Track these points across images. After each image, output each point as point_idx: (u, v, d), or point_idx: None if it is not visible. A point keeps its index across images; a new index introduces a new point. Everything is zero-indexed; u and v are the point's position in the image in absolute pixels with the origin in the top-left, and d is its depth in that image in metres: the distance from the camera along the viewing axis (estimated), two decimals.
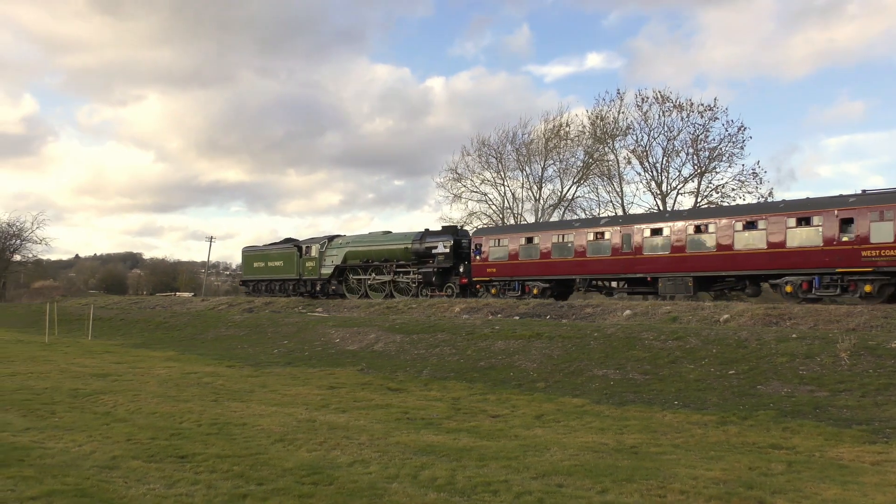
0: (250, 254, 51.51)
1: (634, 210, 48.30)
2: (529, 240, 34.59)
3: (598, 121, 51.12)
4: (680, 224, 29.17)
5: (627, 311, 25.02)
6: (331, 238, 45.10)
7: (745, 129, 46.90)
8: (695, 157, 47.94)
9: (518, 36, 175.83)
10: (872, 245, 23.82)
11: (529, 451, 10.65)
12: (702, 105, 47.53)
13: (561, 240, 33.33)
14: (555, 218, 51.61)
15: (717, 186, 47.13)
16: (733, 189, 46.32)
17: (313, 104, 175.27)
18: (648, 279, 30.09)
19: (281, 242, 50.25)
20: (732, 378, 15.96)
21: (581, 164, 53.13)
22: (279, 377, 19.42)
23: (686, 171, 48.70)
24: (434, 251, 38.53)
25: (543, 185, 55.08)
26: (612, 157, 51.46)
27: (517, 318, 26.58)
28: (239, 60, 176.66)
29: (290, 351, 25.28)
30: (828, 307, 21.71)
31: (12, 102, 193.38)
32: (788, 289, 25.86)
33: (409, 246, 39.47)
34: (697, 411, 13.91)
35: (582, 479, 9.03)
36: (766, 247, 26.45)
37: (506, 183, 56.11)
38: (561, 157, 54.05)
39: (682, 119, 47.98)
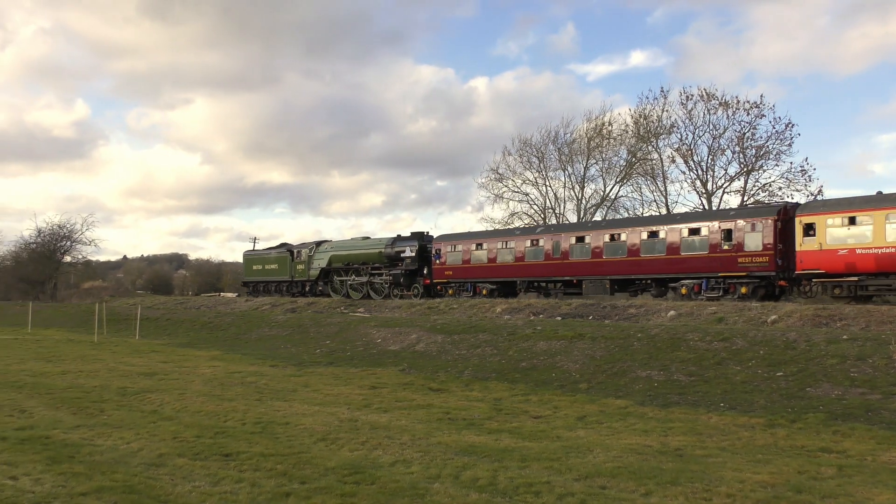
0: (250, 258, 56.65)
1: (679, 209, 47.75)
2: (479, 245, 38.98)
3: (642, 119, 50.61)
4: (597, 233, 33.53)
5: (672, 312, 24.73)
6: (318, 243, 49.83)
7: (793, 125, 46.08)
8: (741, 156, 47.24)
9: (563, 35, 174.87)
10: (746, 252, 28.13)
11: (572, 452, 10.56)
12: (748, 102, 46.80)
13: (505, 246, 37.86)
14: (598, 217, 51.25)
15: (764, 185, 46.39)
16: (780, 188, 45.56)
17: (357, 106, 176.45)
18: (574, 281, 34.01)
19: (276, 247, 55.13)
20: (780, 380, 15.68)
21: (624, 164, 52.66)
22: (321, 377, 19.54)
23: (732, 170, 48.03)
24: (402, 255, 42.99)
25: (586, 184, 54.75)
26: (655, 155, 50.94)
27: (559, 318, 26.43)
28: (285, 63, 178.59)
29: (333, 351, 25.43)
30: (880, 308, 21.23)
31: (65, 107, 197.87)
32: (683, 291, 29.72)
33: (383, 250, 43.92)
34: (744, 413, 13.68)
35: (625, 481, 8.93)
36: (665, 254, 30.62)
37: (547, 183, 55.88)
38: (604, 156, 53.65)
39: (727, 117, 47.29)
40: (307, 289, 49.82)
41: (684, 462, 9.99)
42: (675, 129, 49.30)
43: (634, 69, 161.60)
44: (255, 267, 55.30)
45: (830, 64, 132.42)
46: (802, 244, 26.73)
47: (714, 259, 29.17)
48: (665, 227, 31.39)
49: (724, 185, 47.94)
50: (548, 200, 55.75)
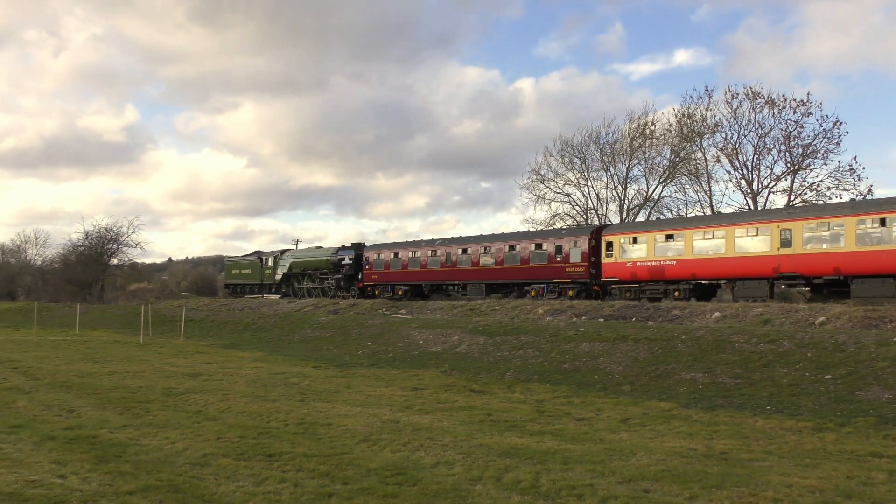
0: (230, 263, 66.02)
1: (723, 209, 47.13)
2: (395, 255, 46.61)
3: (686, 119, 49.98)
4: (475, 246, 41.68)
5: (717, 314, 24.40)
6: (282, 252, 58.67)
7: (841, 123, 45.11)
8: (787, 155, 46.40)
9: (611, 34, 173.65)
10: (571, 264, 35.80)
11: (615, 455, 10.46)
12: (794, 100, 45.93)
13: (414, 255, 45.20)
14: (640, 218, 50.78)
15: (811, 184, 45.52)
16: (829, 187, 44.66)
17: (403, 108, 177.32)
18: (462, 284, 41.75)
19: (251, 255, 63.46)
20: (829, 383, 15.37)
21: (667, 164, 52.08)
22: (364, 378, 19.62)
23: (778, 169, 47.18)
24: (343, 262, 50.57)
25: (628, 185, 54.25)
26: (699, 155, 50.28)
27: (602, 320, 26.23)
28: (332, 66, 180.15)
29: (374, 352, 25.53)
30: None
31: (116, 113, 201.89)
32: (532, 293, 37.14)
33: (329, 258, 51.92)
34: (791, 417, 13.42)
35: (669, 484, 8.81)
36: (520, 264, 38.26)
37: (589, 184, 55.51)
38: (646, 156, 53.09)
39: (773, 115, 46.48)
40: (273, 290, 57.78)
41: (730, 466, 9.83)
42: (719, 128, 48.63)
43: (678, 68, 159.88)
44: (234, 271, 64.40)
45: (886, 60, 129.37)
46: (605, 258, 34.66)
47: (550, 269, 36.89)
48: (520, 242, 39.30)
49: (770, 185, 47.16)
50: (590, 201, 55.39)
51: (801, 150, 45.81)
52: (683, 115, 50.18)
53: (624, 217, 52.43)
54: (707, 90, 50.45)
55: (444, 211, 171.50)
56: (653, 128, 52.44)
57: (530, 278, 37.78)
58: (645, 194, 53.51)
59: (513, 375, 19.58)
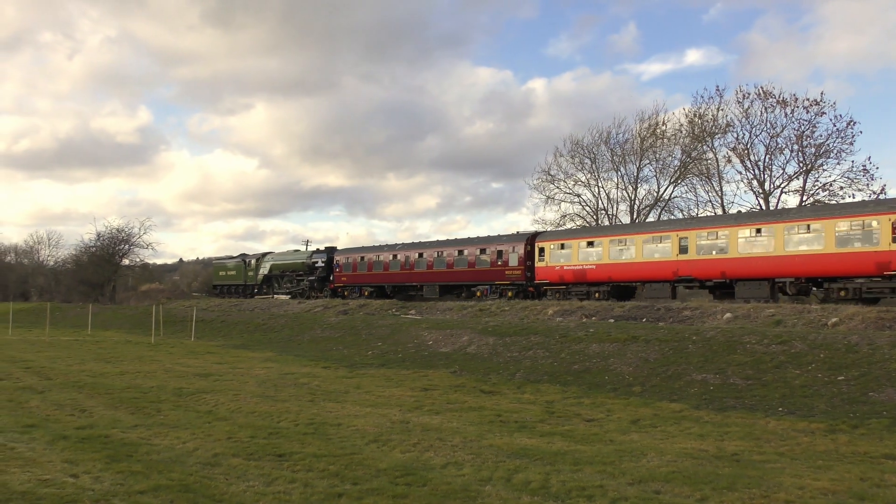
0: (217, 265, 69.84)
1: (735, 210, 46.89)
2: (362, 258, 50.08)
3: (697, 119, 49.77)
4: (430, 251, 44.92)
5: (728, 314, 24.30)
6: (264, 255, 62.49)
7: (855, 123, 44.80)
8: (800, 154, 46.12)
9: (624, 34, 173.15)
10: (509, 268, 39.45)
11: (625, 456, 10.43)
12: (807, 100, 45.64)
13: (378, 258, 48.62)
14: (651, 218, 50.63)
15: (824, 184, 45.23)
16: (842, 187, 44.38)
17: (415, 108, 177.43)
18: (419, 286, 44.90)
19: (236, 257, 67.05)
20: (842, 384, 15.28)
21: (678, 164, 51.88)
22: (373, 378, 19.63)
23: (790, 169, 46.89)
24: (316, 265, 54.38)
25: (639, 185, 54.07)
26: (711, 155, 50.04)
27: (612, 320, 26.16)
28: (344, 67, 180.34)
29: (384, 352, 25.55)
30: None
31: (129, 114, 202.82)
32: (478, 294, 41.31)
33: (305, 261, 55.79)
34: (804, 418, 13.35)
35: (680, 486, 8.78)
36: (467, 267, 42.12)
37: (600, 184, 55.38)
38: (657, 156, 52.90)
39: (786, 115, 46.23)
40: (256, 291, 61.95)
41: (741, 467, 9.79)
42: (731, 128, 48.39)
43: (691, 68, 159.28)
44: (220, 273, 68.11)
45: None
46: (538, 262, 38.10)
47: (493, 272, 40.67)
48: (467, 248, 42.70)
49: (783, 185, 46.86)
50: (600, 201, 55.25)
51: (813, 149, 45.55)
52: (695, 115, 50.02)
53: (635, 217, 52.30)
54: (718, 90, 50.20)
55: (455, 211, 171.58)
56: (664, 128, 52.30)
57: (477, 280, 41.82)
58: (656, 195, 53.38)
59: (523, 376, 19.56)
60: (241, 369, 21.71)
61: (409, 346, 26.00)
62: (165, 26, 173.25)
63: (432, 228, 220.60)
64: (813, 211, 30.79)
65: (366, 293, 49.00)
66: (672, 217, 48.87)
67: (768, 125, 46.78)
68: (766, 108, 46.71)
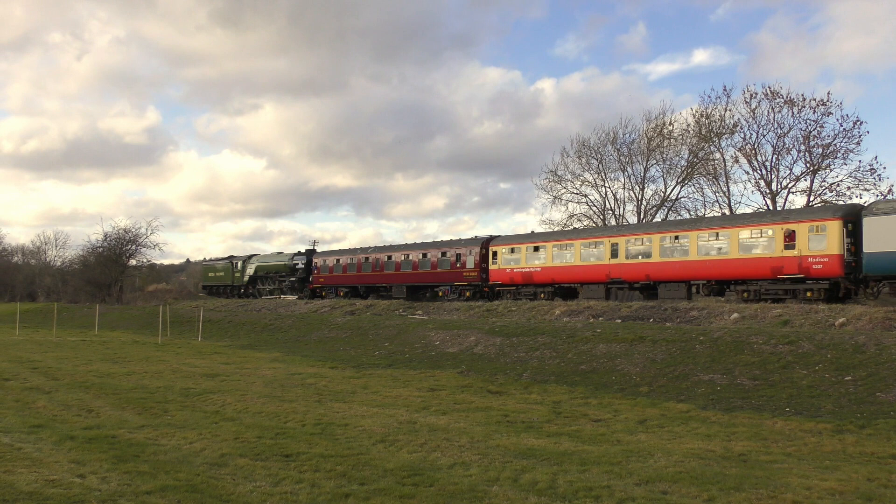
0: (206, 266, 73.48)
1: (742, 210, 46.81)
2: (337, 260, 53.92)
3: (704, 119, 49.67)
4: (398, 253, 48.92)
5: (735, 315, 24.25)
6: (249, 257, 66.47)
7: (862, 123, 44.67)
8: (807, 154, 45.99)
9: (633, 34, 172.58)
10: (467, 270, 43.07)
11: (632, 456, 10.41)
12: (814, 100, 45.51)
13: (351, 260, 52.47)
14: (657, 219, 50.57)
15: (831, 184, 45.10)
16: (849, 187, 44.24)
17: (424, 109, 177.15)
18: (388, 287, 48.91)
19: (224, 259, 70.79)
20: (849, 384, 15.23)
21: (685, 164, 51.80)
22: (380, 379, 19.64)
23: (797, 169, 46.76)
24: (297, 266, 58.39)
25: (646, 185, 54.01)
26: (718, 155, 49.95)
27: (619, 321, 26.13)
28: (353, 68, 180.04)
29: (391, 353, 25.56)
30: None
31: (137, 115, 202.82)
32: (440, 293, 45.32)
33: (287, 263, 59.67)
34: (811, 419, 13.31)
35: (687, 486, 8.76)
36: (430, 269, 45.65)
37: (607, 184, 55.33)
38: (664, 156, 52.82)
39: (793, 115, 46.09)
40: (242, 291, 65.69)
41: (748, 468, 9.76)
42: (738, 128, 48.29)
43: (700, 68, 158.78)
44: (209, 274, 71.54)
45: None
46: (491, 265, 41.59)
47: (453, 273, 44.19)
48: (430, 251, 46.12)
49: (790, 185, 46.75)
50: (607, 202, 55.20)
51: (820, 149, 45.42)
52: (702, 115, 49.94)
53: (641, 218, 52.25)
54: (725, 90, 50.05)
55: (463, 212, 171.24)
56: (671, 128, 52.21)
57: (439, 281, 45.50)
58: (662, 195, 53.32)
59: (529, 376, 19.54)
60: (248, 369, 21.73)
61: (416, 346, 26.01)
62: (174, 27, 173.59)
63: (440, 229, 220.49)
64: (721, 220, 34.07)
65: (341, 293, 52.88)
66: (679, 217, 48.83)
67: (775, 125, 46.71)
68: (773, 108, 46.62)
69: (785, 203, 45.80)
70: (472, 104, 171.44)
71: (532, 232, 42.76)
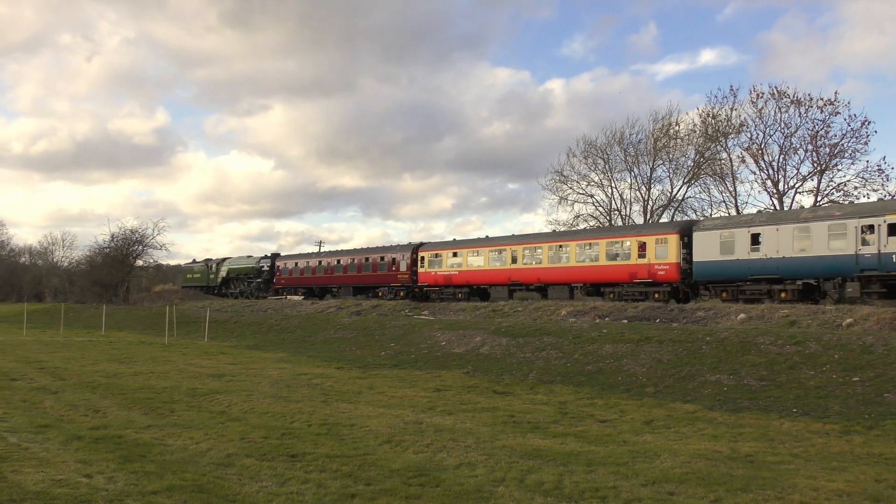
0: (186, 269, 78.75)
1: (748, 210, 46.72)
2: (296, 263, 59.56)
3: (710, 119, 49.56)
4: (345, 258, 54.02)
5: (742, 315, 24.19)
6: (223, 259, 71.57)
7: (870, 123, 44.51)
8: (814, 154, 45.86)
9: (643, 34, 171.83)
10: (401, 272, 47.86)
11: (639, 457, 10.39)
12: (821, 99, 45.35)
13: (307, 264, 58.00)
14: (664, 219, 50.52)
15: (838, 184, 44.95)
16: (856, 187, 44.09)
17: (432, 109, 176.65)
18: (338, 288, 54.10)
19: (202, 262, 75.67)
20: (857, 385, 15.18)
21: (692, 164, 51.70)
22: (386, 379, 19.64)
23: (805, 169, 46.64)
24: (263, 269, 63.64)
25: (652, 185, 53.94)
26: (724, 156, 49.86)
27: (625, 321, 26.09)
28: (362, 68, 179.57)
29: (397, 353, 25.56)
30: None
31: (147, 115, 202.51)
32: (380, 294, 49.39)
33: (254, 266, 65.25)
34: (818, 420, 13.27)
35: (694, 487, 8.74)
36: (372, 271, 50.56)
37: (613, 184, 55.28)
38: (671, 156, 52.73)
39: (800, 115, 45.96)
40: (216, 291, 69.63)
41: (755, 468, 9.74)
42: (744, 128, 48.18)
43: (708, 68, 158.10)
44: (188, 276, 76.81)
45: None
46: (420, 268, 46.49)
47: (390, 275, 48.97)
48: (371, 255, 51.41)
49: (797, 186, 46.64)
50: (613, 202, 55.15)
51: (828, 149, 45.30)
52: (708, 115, 49.83)
53: (647, 218, 52.20)
54: (732, 90, 49.87)
55: (471, 212, 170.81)
56: (677, 128, 52.12)
57: (379, 283, 50.22)
58: (669, 195, 53.25)
59: (536, 377, 19.53)
60: (254, 370, 21.76)
61: (422, 346, 26.00)
62: (184, 28, 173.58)
63: (447, 229, 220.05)
64: (593, 233, 39.89)
65: (299, 294, 57.92)
66: (685, 218, 48.77)
67: (782, 125, 46.60)
68: (780, 108, 46.50)
69: (792, 203, 45.73)
70: (481, 104, 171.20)
71: (454, 239, 47.56)
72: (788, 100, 46.11)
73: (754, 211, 43.91)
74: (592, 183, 55.70)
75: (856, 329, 20.09)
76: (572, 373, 19.53)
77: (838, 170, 45.41)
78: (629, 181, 54.65)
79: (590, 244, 36.89)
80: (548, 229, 51.82)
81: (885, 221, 26.15)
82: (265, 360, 24.88)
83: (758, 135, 47.51)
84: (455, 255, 44.45)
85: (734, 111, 48.58)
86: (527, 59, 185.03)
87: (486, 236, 46.10)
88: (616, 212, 54.68)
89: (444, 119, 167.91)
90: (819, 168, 45.64)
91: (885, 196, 42.06)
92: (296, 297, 57.39)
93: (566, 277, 37.46)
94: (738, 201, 48.66)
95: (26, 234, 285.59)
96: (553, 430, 12.69)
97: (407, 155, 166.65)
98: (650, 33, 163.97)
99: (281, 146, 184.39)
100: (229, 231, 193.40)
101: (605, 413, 14.43)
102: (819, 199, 44.72)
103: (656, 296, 32.94)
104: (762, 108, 46.99)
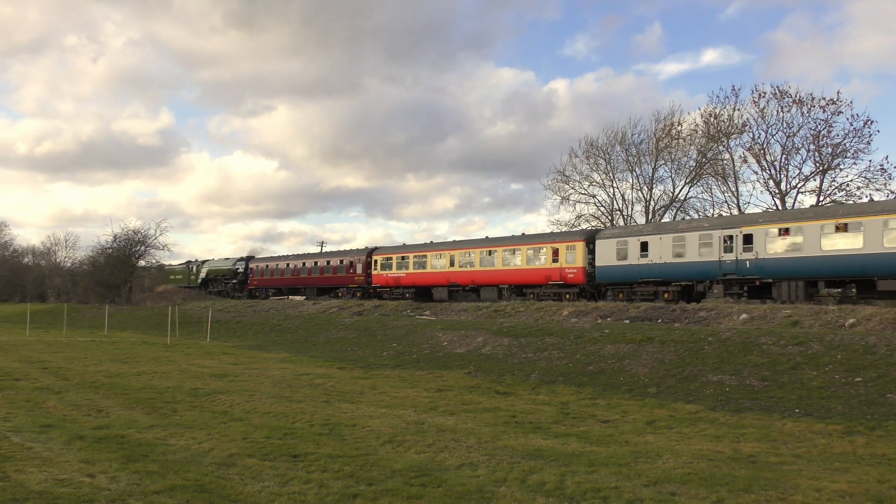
0: (168, 270, 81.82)
1: (751, 210, 46.67)
2: (267, 265, 65.19)
3: (712, 119, 49.53)
4: (309, 260, 59.77)
5: (744, 315, 24.17)
6: (203, 261, 76.79)
7: (872, 122, 44.45)
8: (816, 154, 45.80)
9: (649, 34, 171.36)
10: (357, 274, 52.67)
11: (641, 457, 10.39)
12: (823, 99, 45.29)
13: (277, 266, 63.72)
14: (667, 219, 50.52)
15: (841, 184, 44.89)
16: (859, 187, 44.04)
17: (437, 110, 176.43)
18: (303, 288, 58.77)
19: (184, 264, 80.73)
20: (859, 386, 15.17)
21: (694, 164, 51.68)
22: (388, 379, 19.65)
23: (807, 169, 46.58)
24: (238, 270, 68.79)
25: (654, 185, 53.93)
26: (726, 156, 49.83)
27: (627, 321, 26.08)
28: (366, 69, 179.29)
29: (399, 353, 25.57)
30: None
31: (152, 116, 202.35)
32: (340, 294, 53.55)
33: (231, 267, 70.24)
34: (821, 420, 13.26)
35: (696, 488, 8.74)
36: (332, 273, 55.61)
37: (615, 184, 55.29)
38: (672, 156, 52.71)
39: (802, 114, 45.91)
40: (196, 291, 74.63)
41: (758, 469, 9.73)
42: (746, 128, 48.14)
43: (706, 67, 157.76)
44: (171, 276, 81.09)
45: None
46: (374, 271, 51.42)
47: (347, 277, 53.87)
48: (331, 258, 56.96)
49: (799, 185, 46.59)
50: (615, 202, 55.14)
51: (830, 149, 45.24)
52: (710, 115, 49.81)
53: (649, 218, 52.21)
54: (734, 90, 49.87)
55: (473, 212, 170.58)
56: (679, 128, 52.09)
57: (338, 283, 54.72)
58: (671, 195, 53.24)
59: (537, 377, 19.53)
60: (256, 370, 21.78)
61: (424, 347, 26.01)
62: (188, 29, 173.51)
63: (450, 230, 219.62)
64: (517, 240, 42.79)
65: (270, 293, 62.91)
66: (687, 217, 48.79)
67: (784, 125, 46.55)
68: (781, 108, 46.45)
69: (794, 203, 45.69)
70: (485, 105, 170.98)
71: (403, 244, 52.43)
72: (790, 99, 46.09)
73: (758, 211, 43.85)
74: (594, 183, 55.77)
75: (858, 329, 20.08)
76: (574, 373, 19.52)
77: (841, 169, 45.39)
78: (631, 181, 54.70)
79: (513, 250, 41.39)
80: (550, 230, 51.92)
81: (741, 233, 30.66)
82: (267, 361, 24.90)
83: (760, 135, 47.53)
84: (403, 259, 49.29)
85: (736, 111, 48.58)
86: (531, 59, 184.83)
87: (430, 241, 50.91)
88: (618, 212, 54.74)
89: (448, 119, 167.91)
90: (821, 168, 45.60)
91: (888, 195, 42.05)
92: (297, 298, 57.51)
93: (495, 279, 41.96)
94: (741, 201, 48.67)
95: (30, 235, 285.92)
96: (555, 430, 12.69)
97: (410, 155, 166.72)
98: (655, 33, 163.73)
99: (285, 147, 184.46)
100: (232, 231, 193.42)
101: (607, 413, 14.43)
102: (821, 198, 44.70)
103: (567, 296, 37.26)
104: (764, 107, 46.99)
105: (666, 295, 32.60)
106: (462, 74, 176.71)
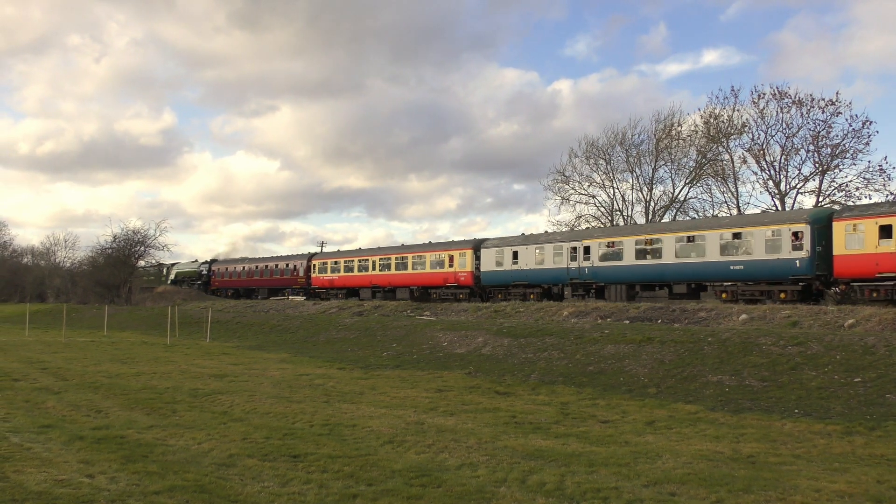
0: (142, 271, 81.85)
1: (751, 210, 46.72)
2: (226, 268, 71.00)
3: (712, 119, 49.54)
4: (261, 263, 65.99)
5: (743, 316, 24.18)
6: (174, 264, 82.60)
7: (871, 123, 44.47)
8: (816, 155, 45.82)
9: (654, 35, 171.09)
10: (300, 276, 58.69)
11: (641, 457, 10.39)
12: (823, 100, 45.31)
13: (234, 268, 69.95)
14: (667, 219, 50.56)
15: (840, 185, 44.91)
16: (858, 187, 44.06)
17: (440, 110, 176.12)
18: (257, 289, 64.86)
19: (156, 266, 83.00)
20: (859, 386, 15.17)
21: (694, 165, 51.70)
22: (388, 379, 19.65)
23: (806, 170, 46.60)
24: (203, 272, 74.71)
25: (654, 186, 53.95)
26: (726, 156, 49.85)
27: (627, 321, 26.08)
28: (370, 69, 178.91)
29: (399, 354, 25.57)
30: None
31: (154, 116, 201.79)
32: (286, 294, 58.23)
33: (196, 269, 76.54)
34: (820, 420, 13.26)
35: (696, 488, 8.74)
36: (282, 276, 61.17)
37: (615, 185, 55.31)
38: (672, 157, 52.73)
39: (801, 115, 45.93)
40: None
41: (757, 469, 9.74)
42: (746, 128, 48.16)
43: (706, 68, 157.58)
44: (144, 278, 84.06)
45: None
46: (313, 273, 57.44)
47: (291, 279, 60.14)
48: (279, 262, 63.17)
49: (798, 186, 46.61)
50: (615, 203, 55.16)
51: (829, 150, 45.26)
52: (710, 115, 49.83)
53: (649, 218, 52.24)
54: (734, 90, 49.87)
55: (475, 213, 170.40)
56: (679, 129, 52.11)
57: (284, 285, 61.08)
58: (671, 196, 53.26)
59: (537, 377, 19.53)
60: (256, 370, 21.77)
61: (423, 347, 26.01)
62: (192, 29, 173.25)
63: (452, 230, 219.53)
64: (423, 247, 49.07)
65: (229, 293, 69.03)
66: (687, 218, 48.85)
67: (784, 125, 46.58)
68: (781, 109, 46.48)
69: (794, 203, 45.72)
70: (489, 105, 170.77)
71: (338, 250, 59.55)
72: (790, 100, 46.12)
73: (758, 211, 43.81)
74: (594, 184, 55.79)
75: (857, 330, 20.08)
76: (574, 373, 19.53)
77: (840, 170, 45.42)
78: (631, 182, 54.73)
79: (421, 256, 47.90)
80: (552, 229, 52.01)
81: (582, 245, 37.40)
82: (267, 361, 24.89)
83: (759, 135, 47.55)
84: (336, 263, 55.57)
85: (736, 112, 48.61)
86: (535, 60, 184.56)
87: (359, 248, 57.69)
88: (618, 212, 54.75)
89: (451, 120, 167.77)
90: (820, 168, 45.63)
91: (888, 196, 42.09)
92: (297, 298, 57.53)
93: (407, 282, 48.12)
94: (740, 202, 48.70)
95: (31, 235, 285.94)
96: (555, 430, 12.70)
97: (413, 155, 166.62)
98: (660, 34, 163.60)
99: (287, 147, 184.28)
100: (234, 232, 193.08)
101: (606, 414, 14.43)
102: (821, 199, 44.73)
103: (461, 296, 44.06)
104: (764, 108, 47.02)
105: (532, 296, 39.14)
106: (466, 75, 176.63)
